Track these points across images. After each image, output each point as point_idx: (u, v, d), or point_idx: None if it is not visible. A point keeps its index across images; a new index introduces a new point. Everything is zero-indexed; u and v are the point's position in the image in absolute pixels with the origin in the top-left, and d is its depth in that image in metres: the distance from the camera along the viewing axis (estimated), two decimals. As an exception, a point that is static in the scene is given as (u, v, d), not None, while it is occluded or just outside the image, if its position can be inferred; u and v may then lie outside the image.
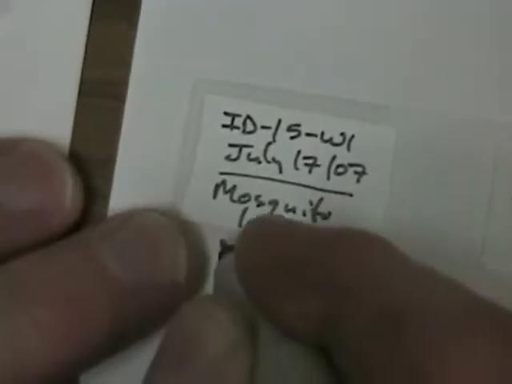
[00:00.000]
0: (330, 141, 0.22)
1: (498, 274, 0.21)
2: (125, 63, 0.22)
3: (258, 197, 0.22)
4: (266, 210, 0.22)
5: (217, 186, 0.22)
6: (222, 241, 0.22)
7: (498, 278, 0.21)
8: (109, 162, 0.22)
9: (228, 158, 0.22)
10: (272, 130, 0.22)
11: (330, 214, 0.22)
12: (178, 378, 0.17)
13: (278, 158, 0.22)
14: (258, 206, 0.22)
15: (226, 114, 0.22)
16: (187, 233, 0.21)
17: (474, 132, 0.22)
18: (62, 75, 0.22)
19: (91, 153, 0.22)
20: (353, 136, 0.22)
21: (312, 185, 0.22)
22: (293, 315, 0.17)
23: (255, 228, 0.19)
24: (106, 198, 0.22)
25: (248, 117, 0.22)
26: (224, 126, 0.22)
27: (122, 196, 0.22)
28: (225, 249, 0.22)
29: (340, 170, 0.22)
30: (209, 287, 0.22)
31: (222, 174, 0.22)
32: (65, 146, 0.22)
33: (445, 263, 0.21)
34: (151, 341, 0.21)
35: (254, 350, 0.18)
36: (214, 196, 0.22)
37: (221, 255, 0.22)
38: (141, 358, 0.22)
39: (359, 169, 0.22)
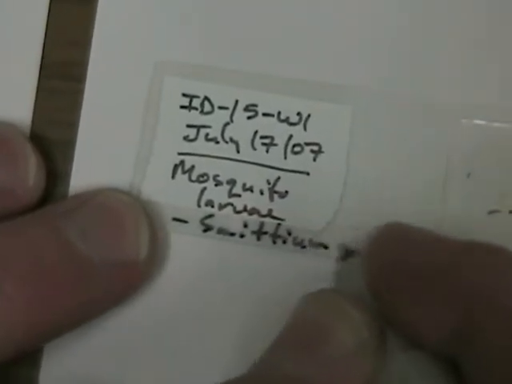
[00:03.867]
0: (286, 120, 0.22)
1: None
2: (84, 45, 0.22)
3: (215, 176, 0.22)
4: (223, 189, 0.22)
5: (175, 166, 0.22)
6: (341, 245, 0.22)
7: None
8: (69, 144, 0.22)
9: (186, 138, 0.22)
10: (229, 111, 0.22)
11: (287, 192, 0.22)
12: (301, 364, 0.17)
13: (235, 138, 0.22)
14: (216, 185, 0.22)
15: (184, 95, 0.22)
16: (147, 212, 0.22)
17: (430, 111, 0.22)
18: (23, 57, 0.23)
19: (52, 134, 0.23)
20: (309, 115, 0.22)
21: (269, 164, 0.22)
22: (421, 323, 0.17)
23: (386, 234, 0.19)
24: (66, 179, 0.22)
25: (206, 98, 0.22)
26: (182, 107, 0.22)
27: (83, 177, 0.22)
28: (347, 253, 0.22)
29: (297, 149, 0.22)
30: (166, 266, 0.22)
31: (180, 154, 0.22)
32: (26, 127, 0.22)
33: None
34: (112, 317, 0.22)
35: (381, 354, 0.18)
36: (173, 176, 0.22)
37: (343, 259, 0.22)
38: (102, 330, 0.22)
39: (315, 147, 0.22)
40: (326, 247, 0.22)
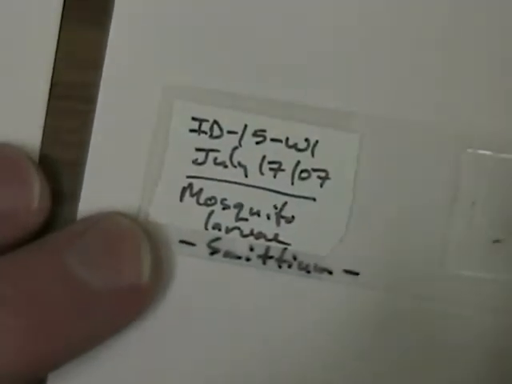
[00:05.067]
0: (294, 146, 0.22)
1: (459, 278, 0.22)
2: (96, 67, 0.23)
3: (223, 200, 0.22)
4: (231, 213, 0.22)
5: (184, 189, 0.22)
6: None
7: (460, 282, 0.22)
8: (79, 165, 0.23)
9: (195, 161, 0.22)
10: (238, 135, 0.22)
11: (293, 217, 0.22)
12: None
13: (243, 163, 0.22)
14: (224, 209, 0.22)
15: (193, 119, 0.22)
16: (153, 236, 0.22)
17: (437, 139, 0.22)
18: (33, 78, 0.23)
19: (61, 155, 0.23)
20: (317, 142, 0.22)
21: (276, 189, 0.22)
22: None
23: None
24: (75, 200, 0.22)
25: (215, 122, 0.22)
26: (191, 130, 0.22)
27: (91, 199, 0.22)
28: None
29: (304, 174, 0.22)
30: (172, 289, 0.22)
31: (188, 177, 0.22)
32: (35, 148, 0.23)
33: (408, 267, 0.22)
34: (117, 343, 0.22)
35: None
36: (181, 199, 0.22)
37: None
38: (107, 358, 0.22)
39: (323, 174, 0.22)
40: (330, 272, 0.22)
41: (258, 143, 0.22)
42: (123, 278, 0.20)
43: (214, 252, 0.22)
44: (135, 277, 0.20)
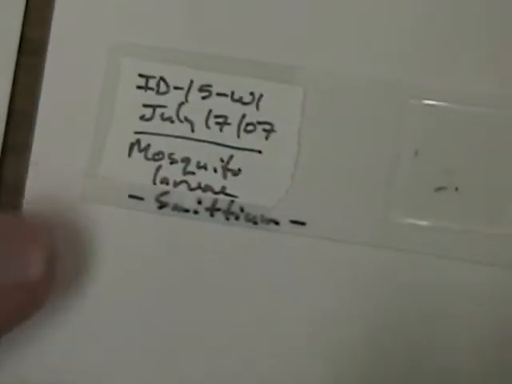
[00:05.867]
0: (239, 100, 0.23)
1: (401, 228, 0.22)
2: (45, 23, 0.23)
3: (171, 154, 0.23)
4: (178, 167, 0.23)
5: (132, 145, 0.23)
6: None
7: (402, 231, 0.22)
8: (30, 117, 0.23)
9: (142, 118, 0.23)
10: (184, 91, 0.23)
11: (240, 170, 0.23)
12: None
13: (190, 118, 0.23)
14: (171, 163, 0.23)
15: (140, 75, 0.23)
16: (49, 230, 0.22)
17: (380, 91, 0.22)
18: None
19: (14, 107, 0.23)
20: (261, 95, 0.23)
21: (223, 142, 0.23)
22: None
23: None
24: (27, 151, 0.23)
25: (161, 78, 0.23)
26: (139, 87, 0.23)
27: (43, 151, 0.23)
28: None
29: (249, 128, 0.23)
30: (121, 246, 0.23)
31: (136, 133, 0.23)
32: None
33: (353, 216, 0.22)
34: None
35: None
36: (129, 154, 0.23)
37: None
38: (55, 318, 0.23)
39: (268, 127, 0.23)
40: (277, 223, 0.22)
41: (203, 98, 0.23)
42: (12, 275, 0.20)
43: (162, 206, 0.23)
44: (25, 272, 0.20)
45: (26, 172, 0.23)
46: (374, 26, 0.23)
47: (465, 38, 0.22)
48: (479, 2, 0.22)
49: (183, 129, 0.23)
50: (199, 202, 0.23)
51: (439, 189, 0.22)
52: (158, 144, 0.23)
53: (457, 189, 0.22)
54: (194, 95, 0.23)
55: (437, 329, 0.22)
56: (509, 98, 0.22)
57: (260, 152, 0.23)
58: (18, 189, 0.23)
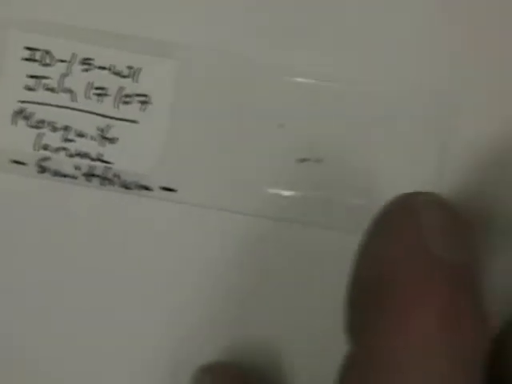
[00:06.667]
0: (119, 73, 0.24)
1: (267, 197, 0.24)
2: None
3: (52, 123, 0.24)
4: (59, 135, 0.24)
5: (15, 113, 0.24)
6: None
7: (268, 200, 0.24)
8: None
9: (27, 88, 0.24)
10: (67, 63, 0.24)
11: (116, 139, 0.24)
12: None
13: (72, 89, 0.24)
14: (53, 131, 0.24)
15: (26, 48, 0.24)
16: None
17: (252, 69, 0.24)
18: None
19: None
20: (140, 69, 0.24)
21: (101, 113, 0.24)
22: None
23: None
24: None
25: (46, 51, 0.24)
26: (24, 59, 0.24)
27: None
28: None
29: (127, 99, 0.24)
30: (6, 208, 0.24)
31: (20, 102, 0.24)
32: None
33: (223, 186, 0.23)
34: None
35: None
36: (13, 122, 0.24)
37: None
38: None
39: (144, 98, 0.24)
40: (149, 189, 0.24)
41: (85, 70, 0.24)
42: None
43: (43, 171, 0.24)
44: None
45: None
46: (249, 4, 0.24)
47: (328, 19, 0.24)
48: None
49: (65, 99, 0.24)
50: (77, 168, 0.24)
51: (301, 160, 0.23)
52: (40, 113, 0.24)
53: (317, 160, 0.23)
54: (77, 68, 0.24)
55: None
56: (368, 75, 0.24)
57: (136, 122, 0.24)
58: None
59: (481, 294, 0.18)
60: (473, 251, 0.18)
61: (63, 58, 0.24)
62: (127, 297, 0.24)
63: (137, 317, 0.24)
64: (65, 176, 0.24)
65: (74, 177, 0.24)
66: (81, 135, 0.24)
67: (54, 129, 0.24)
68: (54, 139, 0.24)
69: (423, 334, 0.17)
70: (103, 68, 0.24)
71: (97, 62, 0.24)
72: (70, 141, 0.24)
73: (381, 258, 0.18)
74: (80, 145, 0.24)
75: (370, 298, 0.18)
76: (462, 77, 0.23)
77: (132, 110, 0.24)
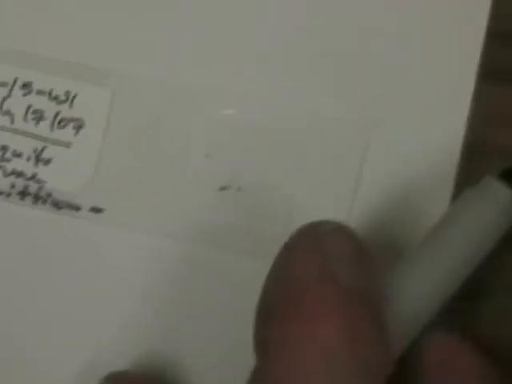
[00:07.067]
0: (56, 98, 0.25)
1: (190, 222, 0.25)
2: None
3: (-10, 143, 0.25)
4: (2, 154, 0.25)
5: (-44, 132, 0.26)
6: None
7: (192, 226, 0.25)
8: None
9: (-33, 108, 0.26)
10: (8, 87, 0.26)
11: (50, 160, 0.25)
12: None
13: (11, 111, 0.25)
14: (-4, 150, 0.26)
15: (-31, 71, 0.26)
16: None
17: (183, 97, 0.25)
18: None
19: None
20: (76, 95, 0.25)
21: (38, 134, 0.25)
22: None
23: None
24: None
25: (-10, 74, 0.26)
26: (-34, 81, 0.26)
27: None
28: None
29: (62, 123, 0.25)
30: None
31: (-39, 121, 0.26)
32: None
33: (146, 209, 0.25)
34: None
35: None
36: (-47, 139, 0.26)
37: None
38: None
39: (78, 123, 0.25)
40: (78, 209, 0.25)
41: (24, 95, 0.26)
42: None
43: (-21, 187, 0.25)
44: None
45: None
46: (185, 34, 0.25)
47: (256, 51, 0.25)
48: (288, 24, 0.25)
49: (4, 120, 0.25)
50: (12, 186, 0.25)
51: (223, 188, 0.25)
52: (-20, 132, 0.26)
53: (239, 189, 0.25)
54: (17, 91, 0.26)
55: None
56: (288, 111, 0.25)
57: (70, 145, 0.25)
58: None
59: (383, 317, 0.19)
60: (375, 277, 0.20)
61: (5, 81, 0.26)
62: (50, 314, 0.25)
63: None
64: (0, 194, 0.25)
65: (8, 194, 0.25)
66: (17, 155, 0.25)
67: (-8, 148, 0.25)
68: (-9, 158, 0.25)
69: (326, 347, 0.18)
70: (42, 92, 0.25)
71: (36, 87, 0.26)
72: (7, 160, 0.25)
73: (289, 278, 0.19)
74: (16, 164, 0.25)
75: (277, 314, 0.19)
76: (372, 114, 0.24)
77: (66, 133, 0.25)
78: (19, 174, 0.25)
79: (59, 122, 0.25)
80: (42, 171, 0.25)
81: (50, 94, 0.25)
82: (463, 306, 0.23)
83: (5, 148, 0.25)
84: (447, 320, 0.22)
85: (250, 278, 0.24)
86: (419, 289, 0.21)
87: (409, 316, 0.20)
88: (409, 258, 0.21)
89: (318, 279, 0.19)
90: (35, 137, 0.25)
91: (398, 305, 0.20)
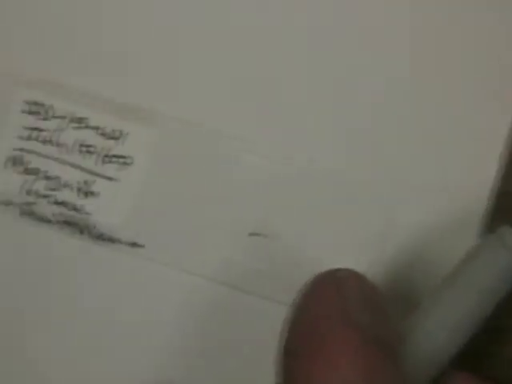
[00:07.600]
0: (108, 134, 0.27)
1: (224, 265, 0.26)
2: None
3: (45, 172, 0.27)
4: (48, 183, 0.27)
5: (7, 159, 0.27)
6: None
7: (229, 270, 0.26)
8: None
9: (22, 137, 0.27)
10: (64, 120, 0.27)
11: (98, 193, 0.26)
12: None
13: (64, 143, 0.27)
14: (44, 179, 0.27)
15: (26, 102, 0.27)
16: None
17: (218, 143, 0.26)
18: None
19: None
20: (127, 133, 0.27)
21: (88, 168, 0.27)
22: None
23: None
24: None
25: (48, 107, 0.27)
26: (23, 111, 0.27)
27: None
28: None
29: (112, 159, 0.27)
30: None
31: (15, 150, 0.27)
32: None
33: (186, 248, 0.26)
34: None
35: None
36: (5, 167, 0.27)
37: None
38: None
39: (127, 160, 0.27)
40: (120, 242, 0.26)
41: (79, 128, 0.27)
42: None
43: (24, 213, 0.26)
44: None
45: None
46: (216, 77, 0.27)
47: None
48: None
49: (58, 152, 0.27)
50: (59, 215, 0.26)
51: (253, 234, 0.26)
52: (34, 161, 0.27)
53: (267, 236, 0.26)
54: (72, 125, 0.27)
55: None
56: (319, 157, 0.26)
57: (118, 180, 0.26)
58: None
59: (398, 357, 0.21)
60: (389, 320, 0.21)
61: (61, 115, 0.27)
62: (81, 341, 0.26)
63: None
64: (48, 222, 0.26)
65: (52, 223, 0.26)
66: (68, 186, 0.26)
67: (47, 178, 0.27)
68: (41, 186, 0.26)
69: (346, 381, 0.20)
70: (95, 128, 0.27)
71: (90, 122, 0.27)
72: (57, 190, 0.26)
73: (311, 321, 0.21)
74: (66, 195, 0.26)
75: (301, 353, 0.20)
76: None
77: (115, 169, 0.26)
78: (68, 204, 0.26)
79: (109, 158, 0.27)
80: (90, 203, 0.26)
81: (102, 130, 0.27)
82: (483, 349, 0.24)
83: (57, 178, 0.27)
84: (468, 363, 0.23)
85: (270, 319, 0.25)
86: (438, 331, 0.22)
87: (427, 357, 0.22)
88: (428, 301, 0.22)
89: (340, 322, 0.20)
90: (86, 170, 0.27)
91: (416, 346, 0.22)
